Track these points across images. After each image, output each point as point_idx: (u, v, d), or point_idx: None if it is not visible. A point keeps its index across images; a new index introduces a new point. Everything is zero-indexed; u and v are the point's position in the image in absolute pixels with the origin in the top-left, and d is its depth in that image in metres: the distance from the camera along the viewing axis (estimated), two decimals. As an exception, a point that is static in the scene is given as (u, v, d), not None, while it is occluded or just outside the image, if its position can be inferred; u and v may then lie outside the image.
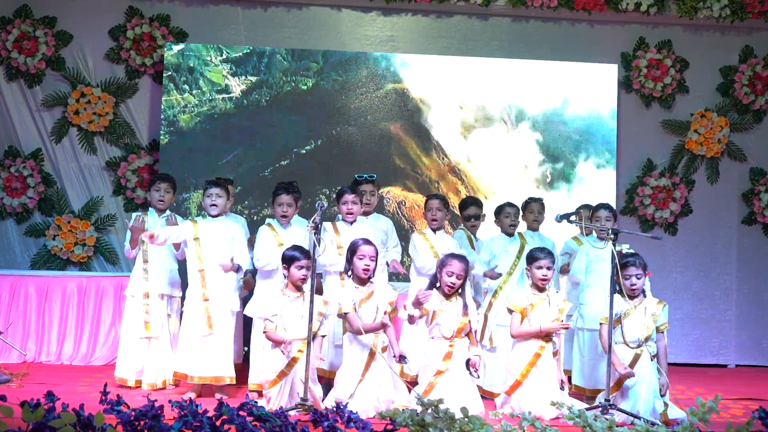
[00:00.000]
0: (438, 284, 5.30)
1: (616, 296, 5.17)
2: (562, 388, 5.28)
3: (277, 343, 4.96)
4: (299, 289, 5.12)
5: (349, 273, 5.27)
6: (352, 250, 5.26)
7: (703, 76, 8.21)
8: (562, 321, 5.41)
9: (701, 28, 8.21)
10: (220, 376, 5.51)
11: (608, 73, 7.96)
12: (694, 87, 8.19)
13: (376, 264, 5.27)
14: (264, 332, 5.07)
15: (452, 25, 8.06)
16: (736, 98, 8.18)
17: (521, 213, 6.32)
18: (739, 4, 7.98)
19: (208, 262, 5.60)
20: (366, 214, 6.10)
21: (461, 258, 5.29)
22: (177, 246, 5.83)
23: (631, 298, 5.24)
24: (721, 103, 8.21)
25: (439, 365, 5.17)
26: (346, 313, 5.13)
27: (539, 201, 6.33)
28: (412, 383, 5.36)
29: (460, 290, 5.29)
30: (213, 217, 5.67)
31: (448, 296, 5.26)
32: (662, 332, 5.25)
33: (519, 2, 7.87)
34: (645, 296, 5.32)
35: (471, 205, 6.37)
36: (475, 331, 5.45)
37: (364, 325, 5.06)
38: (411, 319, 5.23)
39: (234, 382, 5.59)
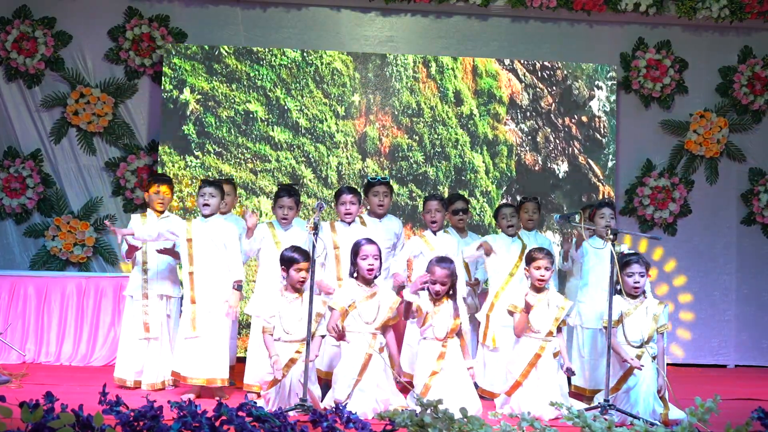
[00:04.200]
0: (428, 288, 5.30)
1: (617, 296, 5.18)
2: (570, 376, 5.25)
3: (268, 351, 4.98)
4: (298, 290, 5.11)
5: (355, 275, 5.27)
6: (355, 251, 5.26)
7: (703, 77, 8.21)
8: (563, 320, 5.41)
9: (700, 29, 8.21)
10: (213, 378, 5.49)
11: (607, 74, 7.96)
12: (693, 87, 8.19)
13: (380, 263, 5.27)
14: (262, 332, 5.07)
15: (451, 25, 8.06)
16: (735, 98, 8.18)
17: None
18: (738, 5, 7.98)
19: (199, 264, 5.58)
20: (379, 216, 6.08)
21: (443, 264, 5.24)
22: (176, 255, 5.85)
23: (633, 297, 5.24)
24: (720, 104, 8.21)
25: (432, 366, 5.18)
26: (332, 308, 5.15)
27: (534, 200, 6.33)
28: (412, 383, 5.36)
29: (450, 292, 5.30)
30: (205, 217, 5.64)
31: (436, 300, 5.27)
32: (661, 334, 5.25)
33: (518, 3, 7.87)
34: (646, 297, 5.32)
35: (458, 200, 6.34)
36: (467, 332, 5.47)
37: (335, 328, 5.08)
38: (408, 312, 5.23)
39: (226, 384, 5.58)
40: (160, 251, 5.81)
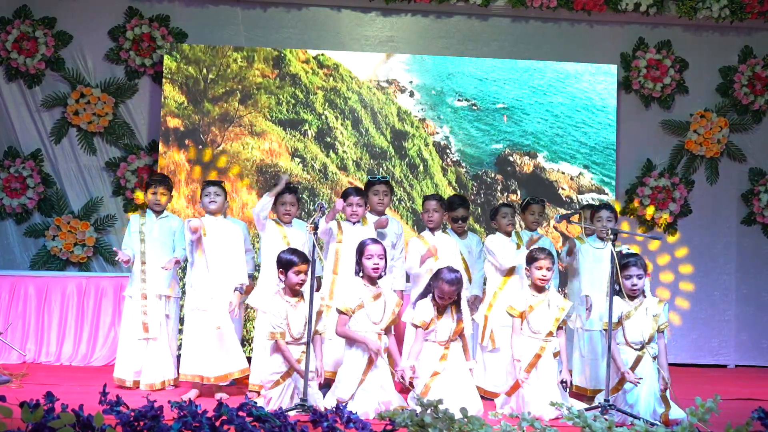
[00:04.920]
0: (432, 294, 5.29)
1: (616, 297, 5.17)
2: (565, 389, 5.27)
3: (289, 362, 4.97)
4: (297, 293, 5.09)
5: (360, 274, 5.27)
6: (360, 250, 5.25)
7: (703, 77, 8.21)
8: (563, 320, 5.40)
9: (701, 29, 8.21)
10: (232, 372, 5.56)
11: (608, 74, 7.96)
12: (693, 87, 8.19)
13: (385, 262, 5.27)
14: (271, 339, 5.04)
15: (452, 25, 8.06)
16: (735, 98, 8.18)
17: (521, 213, 6.32)
18: (739, 5, 7.97)
19: (212, 259, 5.60)
20: (380, 214, 6.10)
21: (450, 277, 5.19)
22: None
23: (632, 298, 5.23)
24: (720, 104, 8.21)
25: (434, 366, 5.17)
26: (340, 311, 5.14)
27: (540, 202, 6.33)
28: (411, 384, 5.36)
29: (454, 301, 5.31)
30: (212, 213, 5.70)
31: (440, 308, 5.27)
32: (662, 331, 5.25)
33: (518, 3, 7.87)
34: (645, 296, 5.31)
35: (459, 207, 6.22)
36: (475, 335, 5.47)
37: (350, 332, 5.06)
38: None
39: (248, 373, 5.63)
40: (166, 268, 5.83)
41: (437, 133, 7.77)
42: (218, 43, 7.72)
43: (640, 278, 5.21)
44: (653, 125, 8.17)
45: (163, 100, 7.58)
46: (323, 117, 7.68)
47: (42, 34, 7.63)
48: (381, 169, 7.61)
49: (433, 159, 7.70)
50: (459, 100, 7.83)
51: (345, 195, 5.91)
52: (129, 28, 7.71)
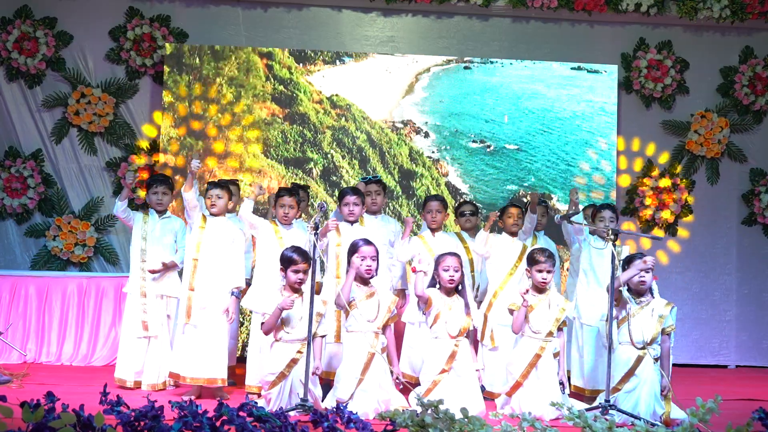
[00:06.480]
0: (437, 285, 5.31)
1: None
2: (563, 391, 5.28)
3: (276, 318, 4.92)
4: (297, 290, 5.10)
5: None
6: (353, 251, 5.26)
7: (704, 77, 8.21)
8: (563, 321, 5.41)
9: (701, 29, 8.21)
10: (213, 378, 5.50)
11: (608, 74, 7.96)
12: (694, 87, 8.19)
13: (377, 264, 5.28)
14: (260, 325, 5.06)
15: (452, 25, 8.06)
16: (736, 99, 8.18)
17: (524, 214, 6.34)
18: (740, 5, 7.98)
19: (204, 254, 5.60)
20: (373, 213, 6.11)
21: (453, 254, 5.34)
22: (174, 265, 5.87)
23: (639, 295, 5.23)
24: (721, 104, 8.21)
25: (443, 365, 5.17)
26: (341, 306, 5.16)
27: (542, 203, 6.33)
28: (412, 384, 5.36)
29: (460, 287, 5.31)
30: (213, 215, 5.70)
31: (449, 293, 5.28)
32: (668, 334, 5.24)
33: (519, 3, 7.88)
34: (653, 297, 5.30)
35: (465, 203, 6.42)
36: (475, 331, 5.47)
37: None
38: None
39: (225, 384, 5.57)
40: (153, 271, 5.84)
41: (448, 173, 7.74)
42: (219, 43, 7.72)
43: (647, 272, 5.21)
44: (654, 125, 8.17)
45: (158, 137, 7.59)
46: (329, 156, 7.66)
47: (43, 34, 7.64)
48: (388, 206, 7.54)
49: None
50: (473, 141, 7.81)
51: (341, 195, 5.92)
52: (129, 28, 7.72)
